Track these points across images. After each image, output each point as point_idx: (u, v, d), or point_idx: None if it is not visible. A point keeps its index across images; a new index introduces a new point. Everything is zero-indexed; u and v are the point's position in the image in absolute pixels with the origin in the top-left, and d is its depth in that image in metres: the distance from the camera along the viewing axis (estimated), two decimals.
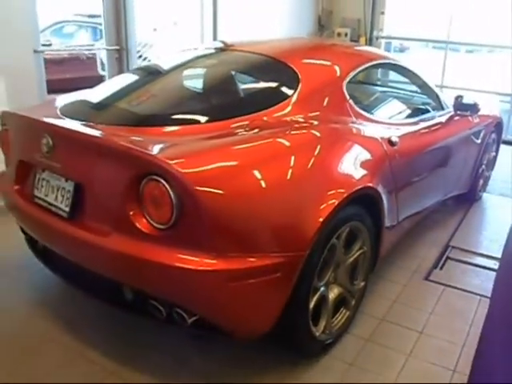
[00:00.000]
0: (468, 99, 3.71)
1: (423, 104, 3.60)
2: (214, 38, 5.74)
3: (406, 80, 3.79)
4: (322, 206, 2.08)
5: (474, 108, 3.72)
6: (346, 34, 7.57)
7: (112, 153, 1.99)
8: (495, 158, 4.73)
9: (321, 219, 2.05)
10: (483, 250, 3.61)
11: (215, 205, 1.81)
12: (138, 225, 1.91)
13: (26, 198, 2.41)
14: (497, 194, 4.85)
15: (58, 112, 2.47)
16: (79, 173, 2.14)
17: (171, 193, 1.80)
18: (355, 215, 2.34)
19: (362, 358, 2.39)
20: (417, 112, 3.41)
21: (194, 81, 3.01)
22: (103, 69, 5.95)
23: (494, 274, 1.70)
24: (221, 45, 3.40)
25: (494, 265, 3.33)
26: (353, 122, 2.67)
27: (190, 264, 1.83)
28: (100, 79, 5.93)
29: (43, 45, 4.61)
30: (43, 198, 2.30)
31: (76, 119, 2.33)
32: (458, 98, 3.70)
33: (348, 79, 2.80)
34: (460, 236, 3.84)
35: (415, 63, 3.76)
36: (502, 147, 4.88)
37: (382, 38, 7.87)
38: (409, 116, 3.37)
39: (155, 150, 1.91)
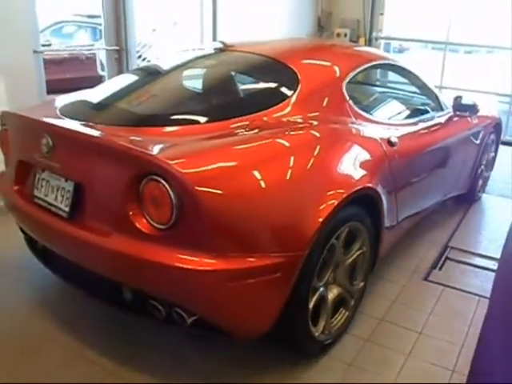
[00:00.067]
0: (467, 100, 3.72)
1: (422, 104, 3.61)
2: (214, 39, 5.75)
3: (406, 81, 3.80)
4: (321, 207, 2.09)
5: (473, 109, 3.73)
6: (345, 35, 7.57)
7: (112, 153, 2.00)
8: (494, 158, 4.74)
9: (320, 219, 2.06)
10: (482, 251, 3.61)
11: (215, 205, 1.81)
12: (137, 225, 1.91)
13: (26, 198, 2.42)
14: (496, 194, 4.85)
15: (58, 112, 2.47)
16: (79, 173, 2.14)
17: (171, 193, 1.80)
18: (355, 215, 2.34)
19: (361, 358, 2.39)
20: (416, 112, 3.42)
21: (194, 81, 3.01)
22: (103, 69, 5.94)
23: (493, 274, 1.71)
24: (220, 45, 3.41)
25: (493, 265, 3.34)
26: (352, 123, 2.68)
27: (190, 264, 1.83)
28: (99, 79, 5.93)
29: (43, 45, 4.61)
30: (43, 198, 2.30)
31: (76, 119, 2.34)
32: (457, 98, 3.71)
33: (348, 80, 2.81)
34: (459, 236, 3.84)
35: (414, 64, 3.77)
36: (501, 148, 4.88)
37: (382, 38, 7.88)
38: (408, 116, 3.37)
39: (155, 150, 1.91)
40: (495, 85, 8.55)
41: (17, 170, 2.50)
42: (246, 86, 2.96)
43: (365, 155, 2.49)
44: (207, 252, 1.84)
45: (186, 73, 3.05)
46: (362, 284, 2.58)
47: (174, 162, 1.80)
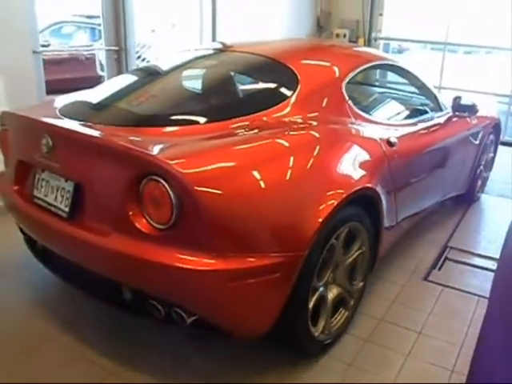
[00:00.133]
0: (466, 100, 3.72)
1: (422, 105, 3.61)
2: (213, 39, 5.75)
3: (405, 81, 3.80)
4: (321, 207, 2.09)
5: (472, 109, 3.73)
6: (344, 35, 7.58)
7: (112, 153, 2.00)
8: (493, 158, 4.75)
9: (320, 219, 2.06)
10: (481, 251, 3.62)
11: (215, 205, 1.82)
12: (137, 225, 1.91)
13: (26, 198, 2.42)
14: (495, 194, 4.86)
15: (58, 112, 2.47)
16: (79, 173, 2.14)
17: (171, 193, 1.80)
18: (354, 216, 2.34)
19: (360, 358, 2.40)
20: (415, 113, 3.42)
21: (194, 81, 3.02)
22: (102, 69, 5.94)
23: (492, 274, 1.71)
24: (220, 46, 3.41)
25: (493, 265, 3.34)
26: (352, 123, 2.68)
27: (190, 264, 1.83)
28: (99, 80, 5.93)
29: (42, 45, 4.60)
30: (43, 198, 2.30)
31: (75, 119, 2.34)
32: (457, 99, 3.71)
33: (347, 80, 2.81)
34: (458, 237, 3.85)
35: (413, 64, 3.77)
36: (500, 148, 4.89)
37: (381, 39, 7.89)
38: (407, 117, 3.38)
39: (155, 150, 1.91)
40: (494, 85, 8.56)
41: (16, 170, 2.50)
42: (246, 86, 2.96)
43: (364, 155, 2.49)
44: (207, 252, 1.84)
45: (186, 73, 3.05)
46: (361, 284, 2.59)
47: (173, 162, 1.80)
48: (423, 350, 2.48)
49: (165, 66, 3.16)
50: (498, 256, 1.86)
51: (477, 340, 1.59)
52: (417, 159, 3.08)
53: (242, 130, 2.25)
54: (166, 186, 1.81)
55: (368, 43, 7.69)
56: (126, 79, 3.17)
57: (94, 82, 4.05)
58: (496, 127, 4.43)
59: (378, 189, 2.48)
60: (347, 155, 2.40)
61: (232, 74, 2.92)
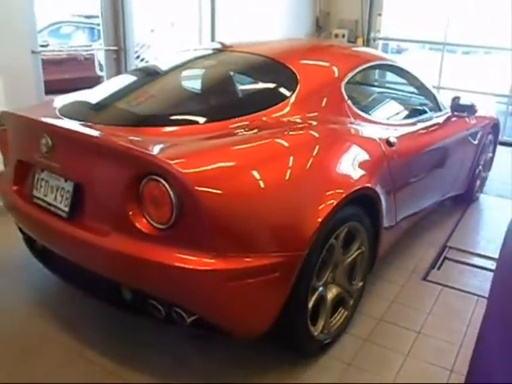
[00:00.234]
0: (465, 100, 3.73)
1: (421, 105, 3.61)
2: (212, 39, 5.75)
3: (404, 81, 3.81)
4: (320, 207, 2.09)
5: (471, 109, 3.74)
6: (343, 36, 7.58)
7: (112, 153, 2.00)
8: (492, 158, 4.76)
9: (319, 219, 2.06)
10: (480, 251, 3.63)
11: (215, 205, 1.82)
12: (137, 225, 1.91)
13: (25, 198, 2.42)
14: (494, 194, 4.87)
15: (57, 112, 2.47)
16: (79, 173, 2.14)
17: (171, 193, 1.81)
18: (353, 215, 2.35)
19: (360, 358, 2.40)
20: (414, 113, 3.42)
21: (193, 81, 3.02)
22: (101, 69, 5.94)
23: (491, 274, 1.72)
24: (219, 46, 3.41)
25: (492, 265, 3.35)
26: (351, 123, 2.69)
27: (190, 264, 1.83)
28: (98, 80, 5.93)
29: (40, 45, 4.60)
30: (42, 198, 2.30)
31: (75, 119, 2.34)
32: (455, 99, 3.72)
33: (346, 80, 2.81)
34: (457, 236, 3.85)
35: (412, 64, 3.78)
36: (499, 148, 4.90)
37: (379, 39, 7.89)
38: (406, 117, 3.38)
39: (155, 150, 1.91)
40: (493, 85, 8.57)
41: (16, 170, 2.50)
42: (245, 86, 2.97)
43: (364, 155, 2.49)
44: (207, 252, 1.84)
45: (185, 73, 3.05)
46: (360, 284, 2.59)
47: (174, 161, 1.80)
48: (422, 350, 2.48)
49: (164, 66, 3.16)
50: (496, 256, 1.86)
51: (476, 340, 1.60)
52: (416, 159, 3.08)
53: (242, 130, 2.25)
54: (166, 185, 1.81)
55: (367, 43, 7.69)
56: (125, 79, 3.17)
57: (93, 82, 4.05)
58: (495, 127, 4.44)
59: (378, 189, 2.48)
60: (346, 155, 2.40)
61: (231, 73, 2.93)
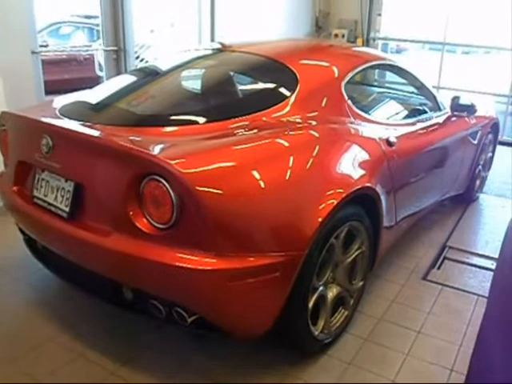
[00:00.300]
0: (465, 100, 3.73)
1: (420, 105, 3.62)
2: (212, 40, 5.75)
3: (404, 81, 3.81)
4: (320, 206, 2.10)
5: (470, 109, 3.74)
6: (343, 36, 7.58)
7: (112, 153, 2.00)
8: (492, 158, 4.76)
9: (320, 219, 2.07)
10: (480, 250, 3.63)
11: (215, 205, 1.82)
12: (138, 224, 1.92)
13: (26, 199, 2.42)
14: (493, 194, 4.87)
15: (57, 112, 2.48)
16: (79, 173, 2.14)
17: (172, 193, 1.81)
18: (354, 215, 2.35)
19: (360, 358, 2.40)
20: (414, 113, 3.43)
21: (193, 82, 3.02)
22: (101, 70, 5.94)
23: (491, 273, 1.72)
24: (219, 46, 3.41)
25: (491, 265, 3.35)
26: (351, 123, 2.69)
27: (190, 263, 1.83)
28: (98, 80, 5.93)
29: (40, 46, 4.59)
30: (43, 199, 2.30)
31: (75, 119, 2.34)
32: (455, 98, 3.72)
33: (346, 80, 2.82)
34: (457, 236, 3.86)
35: (412, 64, 3.78)
36: (498, 148, 4.91)
37: (379, 39, 7.90)
38: (406, 117, 3.38)
39: (156, 150, 1.91)
40: (492, 85, 8.57)
41: (16, 170, 2.50)
42: (245, 86, 2.97)
43: (364, 155, 2.50)
44: (207, 251, 1.84)
45: (185, 73, 3.05)
46: (361, 283, 2.59)
47: (174, 161, 1.80)
48: (422, 349, 2.48)
49: (164, 66, 3.16)
50: (496, 255, 1.87)
51: (476, 339, 1.60)
52: (416, 159, 3.08)
53: (242, 130, 2.26)
54: (167, 185, 1.81)
55: (366, 43, 7.70)
56: (125, 79, 3.17)
57: (93, 82, 4.05)
58: (494, 127, 4.44)
59: (378, 188, 2.48)
60: (347, 155, 2.40)
61: (231, 74, 2.93)
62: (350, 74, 2.89)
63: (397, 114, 3.43)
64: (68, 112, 2.47)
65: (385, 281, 3.09)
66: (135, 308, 2.13)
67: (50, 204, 2.26)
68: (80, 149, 2.15)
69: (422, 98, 3.75)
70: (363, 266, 2.56)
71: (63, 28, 9.01)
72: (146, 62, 6.12)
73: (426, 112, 3.49)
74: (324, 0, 7.65)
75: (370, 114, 2.92)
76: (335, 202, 2.13)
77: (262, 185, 1.96)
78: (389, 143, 2.73)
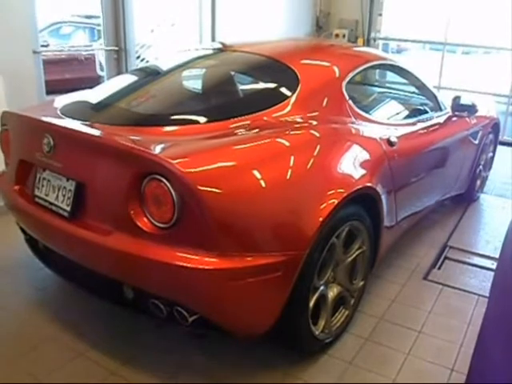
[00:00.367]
0: (466, 100, 3.73)
1: (421, 105, 3.62)
2: (213, 39, 5.76)
3: (405, 81, 3.81)
4: (321, 206, 2.10)
5: (471, 109, 3.75)
6: (343, 36, 7.58)
7: (114, 152, 2.00)
8: (492, 158, 4.76)
9: (321, 219, 2.07)
10: (481, 250, 3.63)
11: (217, 204, 1.82)
12: (139, 224, 1.92)
13: (27, 198, 2.42)
14: (494, 194, 4.88)
15: (58, 112, 2.48)
16: (80, 172, 2.15)
17: (173, 192, 1.81)
18: (355, 215, 2.35)
19: (361, 357, 2.40)
20: (415, 113, 3.43)
21: (194, 81, 3.02)
22: (102, 69, 5.94)
23: (492, 273, 1.72)
24: (220, 45, 3.41)
25: (492, 265, 3.35)
26: (352, 123, 2.69)
27: (191, 263, 1.84)
28: (98, 80, 5.93)
29: (41, 46, 4.60)
30: (44, 198, 2.31)
31: (76, 119, 2.34)
32: (456, 98, 3.72)
33: (347, 80, 2.82)
34: (458, 236, 3.86)
35: (413, 64, 3.78)
36: (499, 148, 4.91)
37: (380, 39, 7.90)
38: (407, 117, 3.38)
39: (157, 149, 1.92)
40: (493, 85, 8.57)
41: (17, 169, 2.50)
42: (246, 85, 2.97)
43: (364, 155, 2.50)
44: (208, 251, 1.84)
45: (186, 73, 3.06)
46: (361, 283, 2.60)
47: (176, 161, 1.81)
48: (423, 349, 2.49)
49: (165, 65, 3.16)
50: (497, 255, 1.87)
51: (476, 339, 1.60)
52: (416, 159, 3.08)
53: (243, 130, 2.26)
54: (168, 185, 1.81)
55: (367, 43, 7.70)
56: (126, 79, 3.18)
57: (94, 82, 4.05)
58: (495, 127, 4.45)
59: (379, 188, 2.49)
60: (347, 154, 2.41)
61: (232, 73, 2.93)
62: (351, 74, 2.89)
63: (398, 113, 3.43)
64: (69, 111, 2.47)
65: (385, 280, 3.09)
66: (136, 307, 2.14)
67: (51, 203, 2.26)
68: (81, 148, 2.15)
69: (422, 97, 3.75)
70: (364, 265, 2.56)
71: (64, 28, 9.02)
72: (147, 61, 6.12)
73: (426, 112, 3.49)
74: (325, 0, 7.64)
75: (370, 114, 2.92)
76: (336, 202, 2.14)
77: (263, 184, 1.96)
78: (390, 143, 2.73)
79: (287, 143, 2.21)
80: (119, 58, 4.84)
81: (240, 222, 1.90)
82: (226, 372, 2.28)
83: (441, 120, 3.53)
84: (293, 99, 2.53)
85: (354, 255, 2.46)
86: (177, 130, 2.24)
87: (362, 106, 2.97)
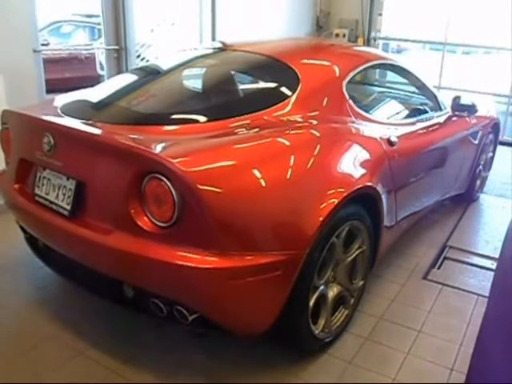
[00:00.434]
0: (466, 100, 3.73)
1: (421, 104, 3.62)
2: (213, 39, 5.75)
3: (405, 81, 3.81)
4: (322, 205, 2.10)
5: (471, 109, 3.75)
6: (343, 35, 7.59)
7: (114, 151, 2.00)
8: (492, 158, 4.76)
9: (321, 218, 2.07)
10: (480, 250, 3.63)
11: (217, 203, 1.82)
12: (139, 223, 1.92)
13: (27, 197, 2.42)
14: (494, 194, 4.88)
15: (59, 111, 2.48)
16: (81, 171, 2.15)
17: (173, 191, 1.81)
18: (355, 214, 2.35)
19: (360, 357, 2.41)
20: (415, 112, 3.43)
21: (194, 80, 3.02)
22: (102, 69, 5.94)
23: (491, 273, 1.72)
24: (220, 45, 3.41)
25: (491, 264, 3.35)
26: (352, 122, 2.69)
27: (191, 262, 1.84)
28: (99, 79, 5.93)
29: (41, 45, 4.60)
30: (44, 197, 2.31)
31: (77, 118, 2.34)
32: (456, 98, 3.72)
33: (348, 79, 2.82)
34: (457, 236, 3.86)
35: (413, 64, 3.78)
36: (499, 148, 4.91)
37: (380, 39, 7.90)
38: (407, 116, 3.38)
39: (158, 148, 1.92)
40: (493, 85, 8.57)
41: (18, 168, 2.50)
42: (246, 85, 2.98)
43: (365, 154, 2.50)
44: (209, 250, 1.85)
45: (186, 72, 3.06)
46: (361, 283, 2.60)
47: (176, 160, 1.81)
48: (423, 349, 2.49)
49: (165, 65, 3.16)
50: (496, 255, 1.87)
51: (476, 338, 1.60)
52: (416, 158, 3.09)
53: (243, 129, 2.26)
54: (169, 184, 1.82)
55: (367, 43, 7.70)
56: (126, 78, 3.18)
57: (94, 81, 4.05)
58: (495, 127, 4.45)
59: (379, 188, 2.49)
60: (348, 154, 2.41)
61: (232, 73, 2.93)
62: (351, 74, 2.89)
63: (398, 113, 3.43)
64: (69, 110, 2.47)
65: (385, 280, 3.10)
66: (136, 306, 2.14)
67: (51, 202, 2.26)
68: (81, 147, 2.15)
69: (422, 97, 3.75)
70: (364, 265, 2.56)
71: (64, 27, 9.02)
72: (147, 60, 6.12)
73: (426, 112, 3.49)
74: (325, 0, 7.65)
75: (371, 114, 2.92)
76: (336, 201, 2.14)
77: (263, 184, 1.97)
78: (390, 143, 2.74)
79: (287, 143, 2.21)
80: (119, 57, 4.84)
81: (240, 221, 1.91)
82: (226, 371, 2.28)
83: (441, 120, 3.53)
84: (293, 99, 2.53)
85: (354, 255, 2.46)
86: (177, 129, 2.24)
87: (362, 105, 2.97)
